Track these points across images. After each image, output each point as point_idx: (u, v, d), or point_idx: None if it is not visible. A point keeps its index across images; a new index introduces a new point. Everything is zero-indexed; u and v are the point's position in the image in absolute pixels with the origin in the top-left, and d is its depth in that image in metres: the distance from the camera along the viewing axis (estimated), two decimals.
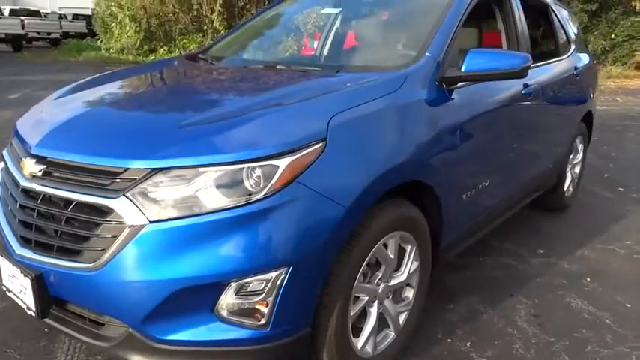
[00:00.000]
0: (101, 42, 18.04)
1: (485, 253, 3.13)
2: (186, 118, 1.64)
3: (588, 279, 2.86)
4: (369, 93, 1.83)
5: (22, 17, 21.19)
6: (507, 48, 2.87)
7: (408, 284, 2.08)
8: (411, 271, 2.02)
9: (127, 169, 1.49)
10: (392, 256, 1.88)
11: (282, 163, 1.47)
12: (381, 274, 1.88)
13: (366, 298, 1.82)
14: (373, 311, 1.88)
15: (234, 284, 1.46)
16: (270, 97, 1.81)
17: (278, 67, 2.30)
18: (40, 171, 1.62)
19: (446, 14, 2.30)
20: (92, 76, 2.58)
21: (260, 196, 1.45)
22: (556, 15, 3.55)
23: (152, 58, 16.35)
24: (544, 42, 3.68)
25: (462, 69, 2.12)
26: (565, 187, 3.83)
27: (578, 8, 15.89)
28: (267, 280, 1.46)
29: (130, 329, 1.50)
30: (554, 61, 3.28)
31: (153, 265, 1.43)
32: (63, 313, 1.67)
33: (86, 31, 25.09)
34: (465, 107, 2.21)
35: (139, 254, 1.43)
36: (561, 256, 3.14)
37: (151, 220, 1.43)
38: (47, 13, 27.40)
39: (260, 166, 1.46)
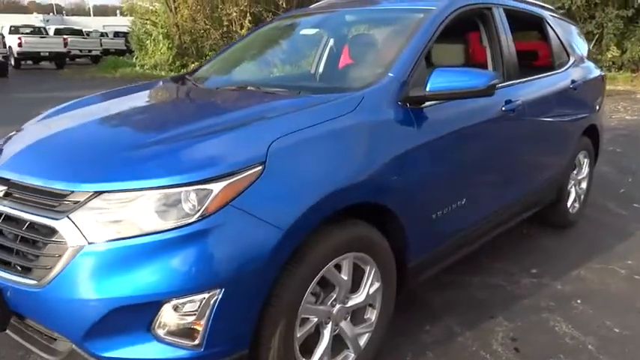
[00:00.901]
0: (136, 58, 18.71)
1: (474, 271, 3.07)
2: (134, 142, 1.70)
3: (579, 301, 2.76)
4: (319, 115, 1.84)
5: (65, 36, 22.23)
6: (492, 63, 2.83)
7: (370, 305, 2.06)
8: (370, 292, 2.01)
9: (72, 191, 1.56)
10: (345, 278, 1.87)
11: (216, 187, 1.51)
12: (335, 295, 1.88)
13: (316, 319, 1.82)
14: (326, 333, 1.88)
15: (168, 304, 1.50)
16: (222, 120, 1.85)
17: (249, 88, 2.35)
18: (1, 191, 1.72)
19: (413, 35, 2.30)
20: (82, 97, 2.70)
21: (193, 219, 1.49)
22: (552, 28, 3.47)
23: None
24: (538, 56, 3.60)
25: (427, 88, 2.11)
26: (569, 204, 3.72)
27: (614, 14, 15.44)
28: (201, 301, 1.49)
29: (74, 345, 1.56)
30: (546, 76, 3.20)
31: (91, 285, 1.48)
32: (23, 326, 1.75)
33: (125, 47, 26.09)
34: (434, 126, 2.19)
35: (78, 274, 1.49)
36: (555, 276, 3.04)
37: (90, 241, 1.49)
38: (89, 32, 28.68)
39: (195, 189, 1.51)
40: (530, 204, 3.17)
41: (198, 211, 1.49)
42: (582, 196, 3.93)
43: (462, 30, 3.16)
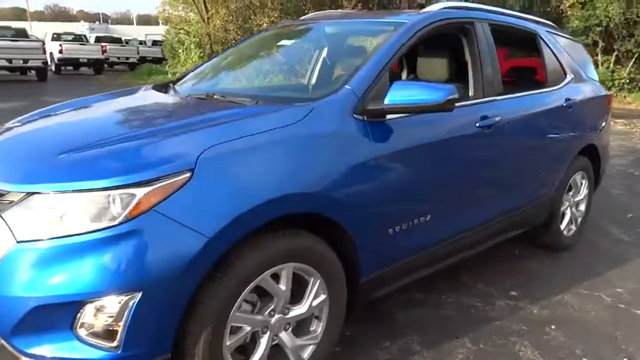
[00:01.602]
0: (169, 66, 19.19)
1: (451, 289, 3.00)
2: (71, 146, 1.75)
3: (553, 327, 2.65)
4: (262, 125, 1.85)
5: (104, 44, 23.05)
6: (472, 79, 2.78)
7: (315, 317, 2.05)
8: (314, 304, 1.99)
9: (8, 192, 1.62)
10: (283, 288, 1.86)
11: (140, 192, 1.53)
12: (273, 306, 1.87)
13: (248, 328, 1.81)
14: (262, 342, 1.87)
15: (90, 305, 1.53)
16: (165, 127, 1.88)
17: (215, 97, 2.38)
18: None
19: (378, 48, 2.29)
20: (62, 102, 2.79)
21: (116, 222, 1.52)
22: (548, 45, 3.39)
23: None
24: (529, 72, 3.52)
25: (385, 102, 2.10)
26: (563, 226, 3.59)
27: None
28: (119, 303, 1.51)
29: (2, 340, 1.61)
30: (534, 93, 3.13)
31: (17, 282, 1.53)
32: None
33: (161, 56, 26.81)
34: (395, 140, 2.17)
35: (6, 271, 1.54)
36: (535, 300, 2.94)
37: (19, 239, 1.54)
38: (128, 40, 29.65)
39: (120, 194, 1.54)
40: (513, 224, 3.08)
41: (122, 215, 1.52)
42: (580, 219, 3.79)
43: (450, 44, 3.13)
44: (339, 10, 3.03)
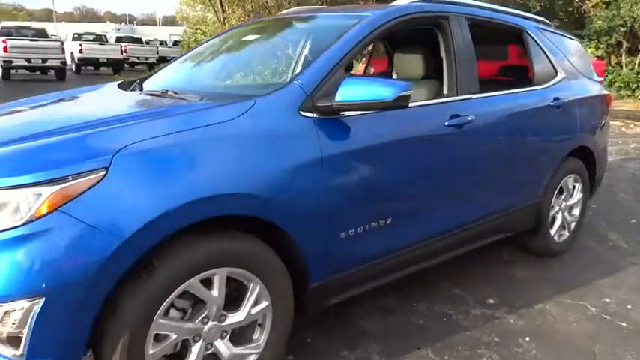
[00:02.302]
0: None
1: (426, 296, 2.86)
2: None
3: (527, 338, 2.50)
4: (196, 121, 1.77)
5: (124, 44, 23.36)
6: (447, 75, 2.65)
7: (258, 325, 1.95)
8: (254, 311, 1.89)
9: None
10: (215, 294, 1.77)
11: (47, 191, 1.46)
12: (206, 312, 1.78)
13: (175, 336, 1.72)
14: (194, 351, 1.78)
15: None
16: (96, 123, 1.79)
17: (169, 93, 2.30)
18: None
19: (334, 43, 2.18)
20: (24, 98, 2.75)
21: (21, 222, 1.44)
22: (536, 41, 3.22)
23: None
24: (513, 70, 3.35)
25: (336, 98, 1.99)
26: (553, 231, 3.42)
27: None
28: (22, 309, 1.44)
29: None
30: (517, 92, 2.97)
31: None
32: None
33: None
34: (348, 138, 2.06)
35: None
36: (513, 308, 2.78)
37: None
38: (149, 41, 30.02)
39: (26, 192, 1.46)
40: (491, 230, 2.92)
41: (27, 215, 1.45)
42: (573, 224, 3.60)
43: (429, 39, 3.00)
44: (315, 6, 2.91)
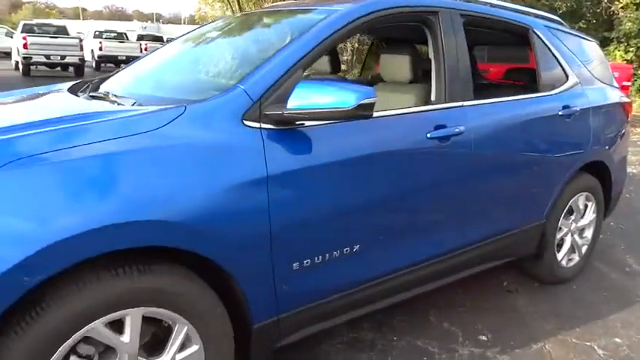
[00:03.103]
0: None
1: (408, 329, 2.53)
2: None
3: None
4: (113, 130, 1.48)
5: (145, 42, 23.42)
6: (435, 79, 2.32)
7: None
8: (181, 356, 1.60)
9: None
10: (125, 340, 1.48)
11: None
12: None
13: None
14: None
15: None
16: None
17: (110, 96, 2.02)
18: None
19: (293, 41, 1.87)
20: None
21: None
22: (544, 42, 2.85)
23: None
24: (516, 74, 2.98)
25: (287, 106, 1.68)
26: (560, 256, 3.04)
27: None
28: None
29: None
30: (518, 99, 2.61)
31: None
32: None
33: None
34: (304, 153, 1.76)
35: None
36: (507, 348, 2.43)
37: None
38: (171, 39, 30.12)
39: None
40: (486, 255, 2.57)
41: None
42: (585, 247, 3.22)
43: (419, 38, 2.67)
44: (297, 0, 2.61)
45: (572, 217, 3.08)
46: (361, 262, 1.98)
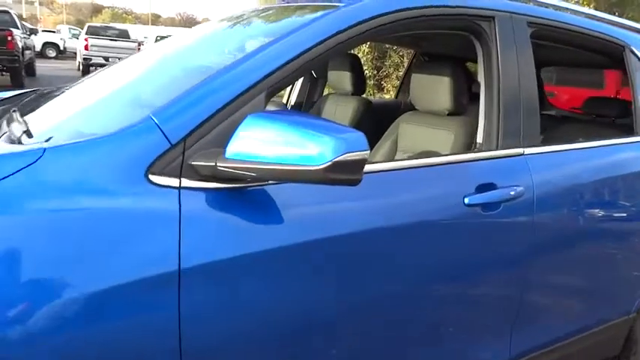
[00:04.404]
0: None
1: None
2: None
3: None
4: None
5: None
6: (484, 113, 1.60)
7: None
8: None
9: None
10: None
11: None
12: None
13: None
14: None
15: None
16: None
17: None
18: None
19: (257, 50, 1.22)
20: None
21: None
22: None
23: None
24: (601, 108, 2.19)
25: (226, 155, 1.04)
26: None
27: None
28: None
29: None
30: (604, 145, 1.83)
31: None
32: None
33: None
34: (253, 230, 1.11)
35: None
36: None
37: None
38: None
39: None
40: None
41: None
42: None
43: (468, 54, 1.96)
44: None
45: None
46: None
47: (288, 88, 2.90)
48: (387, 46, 11.09)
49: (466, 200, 1.39)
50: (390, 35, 1.53)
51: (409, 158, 1.80)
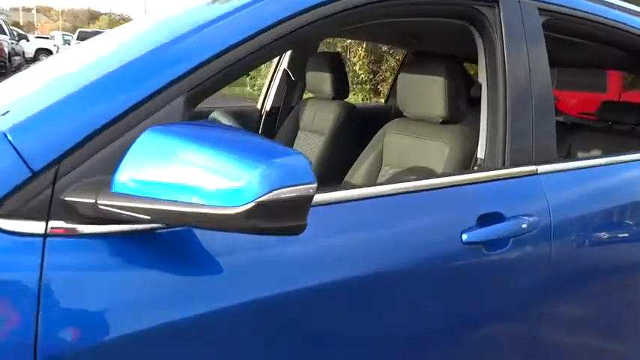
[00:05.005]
0: (251, 79, 18.70)
1: None
2: None
3: None
4: None
5: None
6: (488, 122, 1.27)
7: None
8: None
9: None
10: None
11: None
12: None
13: None
14: None
15: None
16: None
17: None
18: None
19: (166, 44, 0.90)
20: None
21: None
22: None
23: None
24: (626, 114, 1.86)
25: (113, 188, 0.70)
26: None
27: None
28: None
29: None
30: (629, 159, 1.50)
31: None
32: None
33: None
34: (173, 293, 0.78)
35: None
36: None
37: None
38: None
39: None
40: None
41: None
42: None
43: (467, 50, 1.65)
44: None
45: None
46: None
47: (264, 91, 2.56)
48: (384, 49, 10.89)
49: (464, 237, 1.05)
50: (370, 22, 1.19)
51: (395, 175, 1.47)
